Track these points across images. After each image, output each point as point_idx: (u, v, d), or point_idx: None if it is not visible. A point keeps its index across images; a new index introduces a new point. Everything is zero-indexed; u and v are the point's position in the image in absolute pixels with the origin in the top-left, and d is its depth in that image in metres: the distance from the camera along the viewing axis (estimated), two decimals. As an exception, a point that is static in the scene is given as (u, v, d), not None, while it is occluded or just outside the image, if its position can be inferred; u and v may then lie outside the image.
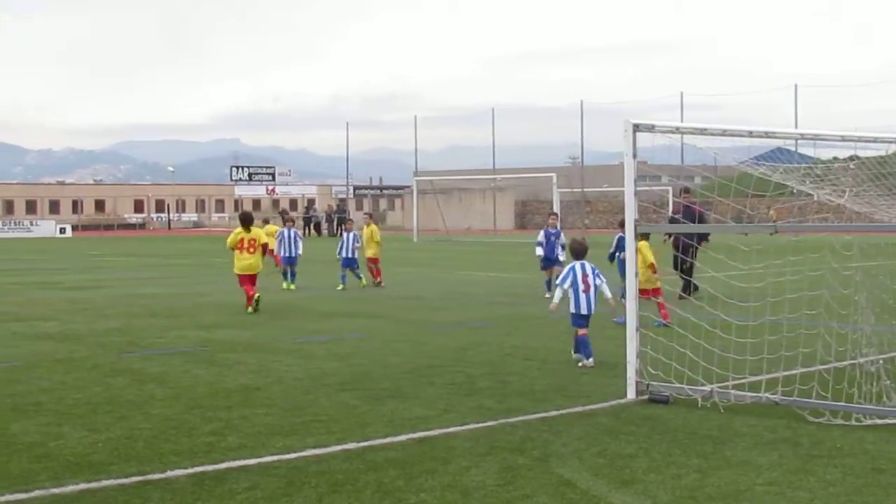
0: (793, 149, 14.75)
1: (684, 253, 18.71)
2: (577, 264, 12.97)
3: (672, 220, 22.00)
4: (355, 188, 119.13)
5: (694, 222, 19.61)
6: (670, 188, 62.64)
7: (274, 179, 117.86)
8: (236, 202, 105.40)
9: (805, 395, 9.78)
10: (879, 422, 9.08)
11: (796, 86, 71.12)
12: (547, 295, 21.34)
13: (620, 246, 15.81)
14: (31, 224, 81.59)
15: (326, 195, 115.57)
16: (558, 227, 22.69)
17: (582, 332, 12.72)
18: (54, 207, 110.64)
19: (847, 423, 9.07)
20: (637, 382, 10.48)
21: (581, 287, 12.77)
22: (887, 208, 11.62)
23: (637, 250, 16.52)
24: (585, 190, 74.29)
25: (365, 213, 30.19)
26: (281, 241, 25.28)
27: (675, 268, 19.99)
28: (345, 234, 26.00)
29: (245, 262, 19.50)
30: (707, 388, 10.15)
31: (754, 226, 12.94)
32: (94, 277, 30.09)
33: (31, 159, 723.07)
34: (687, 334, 11.27)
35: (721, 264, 12.84)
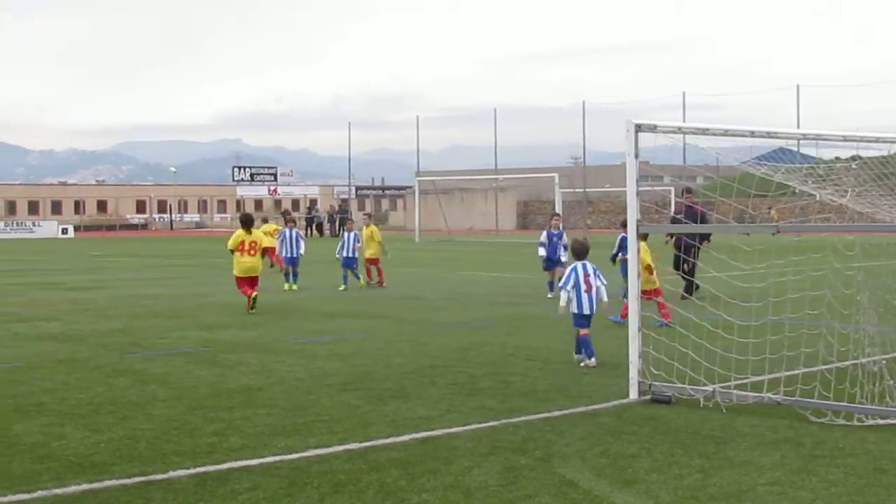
0: (795, 149, 14.75)
1: (686, 253, 18.71)
2: (579, 264, 12.98)
3: (674, 221, 22.01)
4: (357, 188, 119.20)
5: (696, 222, 19.60)
6: (672, 188, 62.64)
7: (276, 180, 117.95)
8: (238, 202, 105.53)
9: (807, 395, 9.78)
10: (882, 422, 9.08)
11: (798, 86, 71.15)
12: (549, 295, 21.35)
13: (623, 246, 15.82)
14: (34, 225, 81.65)
15: (328, 195, 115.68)
16: (561, 228, 22.68)
17: (583, 332, 12.72)
18: (56, 208, 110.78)
19: (849, 423, 9.07)
20: (639, 382, 10.47)
21: (583, 287, 12.77)
22: (889, 208, 11.61)
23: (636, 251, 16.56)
24: (587, 190, 74.27)
25: (364, 214, 30.16)
26: (283, 241, 25.28)
27: (676, 268, 19.98)
28: (345, 234, 26.01)
29: (245, 264, 19.47)
30: (709, 388, 10.15)
31: (756, 226, 12.95)
32: (97, 278, 30.11)
33: (33, 160, 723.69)
34: (689, 334, 11.27)
35: (723, 264, 12.84)
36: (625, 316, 15.75)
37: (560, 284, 13.29)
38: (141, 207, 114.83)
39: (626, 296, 12.93)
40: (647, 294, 14.92)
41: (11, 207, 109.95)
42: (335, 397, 10.70)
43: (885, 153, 13.06)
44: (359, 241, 25.39)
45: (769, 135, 11.37)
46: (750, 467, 7.74)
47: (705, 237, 20.72)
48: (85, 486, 7.38)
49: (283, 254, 24.84)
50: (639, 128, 10.45)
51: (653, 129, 10.57)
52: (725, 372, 10.64)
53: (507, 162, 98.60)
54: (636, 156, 10.53)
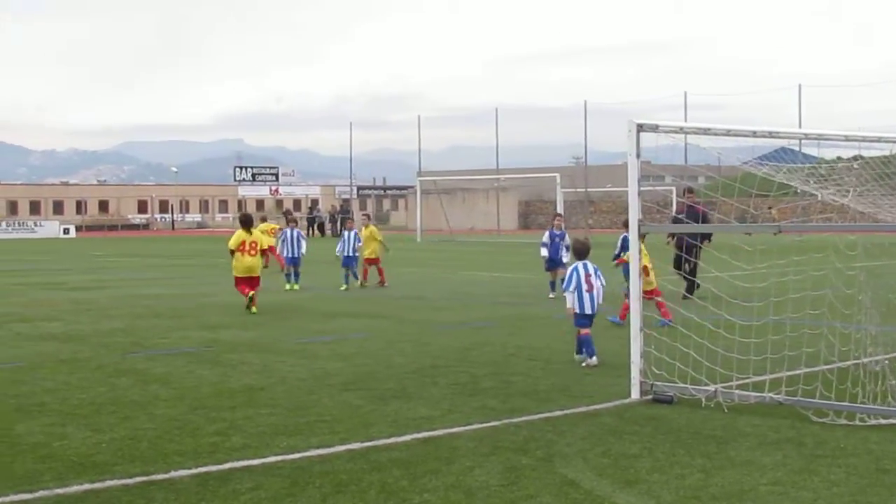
0: (797, 149, 14.74)
1: (688, 253, 18.72)
2: (580, 264, 12.98)
3: (675, 220, 22.01)
4: (359, 188, 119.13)
5: (697, 222, 19.60)
6: (674, 188, 62.63)
7: (277, 180, 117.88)
8: (240, 202, 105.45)
9: (809, 395, 9.77)
10: (884, 422, 9.07)
11: (800, 86, 71.02)
12: (551, 295, 21.36)
13: (625, 246, 15.81)
14: (35, 225, 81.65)
15: (330, 195, 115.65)
16: (563, 229, 22.64)
17: (585, 331, 12.72)
18: (58, 208, 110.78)
19: (851, 423, 9.07)
20: (641, 382, 10.47)
21: (584, 287, 12.78)
22: (891, 208, 11.61)
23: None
24: (589, 190, 74.24)
25: (363, 214, 30.12)
26: (284, 241, 25.26)
27: (677, 267, 19.99)
28: (345, 233, 25.99)
29: (246, 263, 19.48)
30: (711, 388, 10.15)
31: (758, 226, 12.95)
32: (98, 278, 30.12)
33: (34, 160, 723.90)
34: (691, 334, 11.26)
35: (725, 264, 12.84)
36: (623, 317, 15.79)
37: (563, 286, 13.30)
38: (142, 207, 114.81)
39: (627, 295, 12.93)
40: (647, 294, 14.93)
41: (13, 207, 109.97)
42: (337, 397, 10.71)
43: (886, 153, 13.05)
44: (359, 241, 25.38)
45: (771, 134, 11.37)
46: (752, 467, 7.74)
47: (706, 236, 20.73)
48: (87, 486, 7.38)
49: (285, 254, 24.82)
50: (640, 128, 10.45)
51: (654, 128, 10.57)
52: (727, 372, 10.64)
53: (509, 162, 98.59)
54: (638, 156, 10.53)
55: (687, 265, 19.58)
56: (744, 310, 12.13)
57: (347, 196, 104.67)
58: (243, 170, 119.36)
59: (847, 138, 12.39)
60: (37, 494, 7.22)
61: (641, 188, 10.70)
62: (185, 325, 17.34)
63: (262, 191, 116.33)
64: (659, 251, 19.32)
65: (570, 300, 12.85)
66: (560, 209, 49.97)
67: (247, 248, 19.51)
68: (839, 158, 14.48)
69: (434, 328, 16.62)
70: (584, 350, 12.69)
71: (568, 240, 21.83)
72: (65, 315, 19.13)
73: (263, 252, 20.24)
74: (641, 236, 15.34)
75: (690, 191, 23.94)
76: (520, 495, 7.06)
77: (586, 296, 12.77)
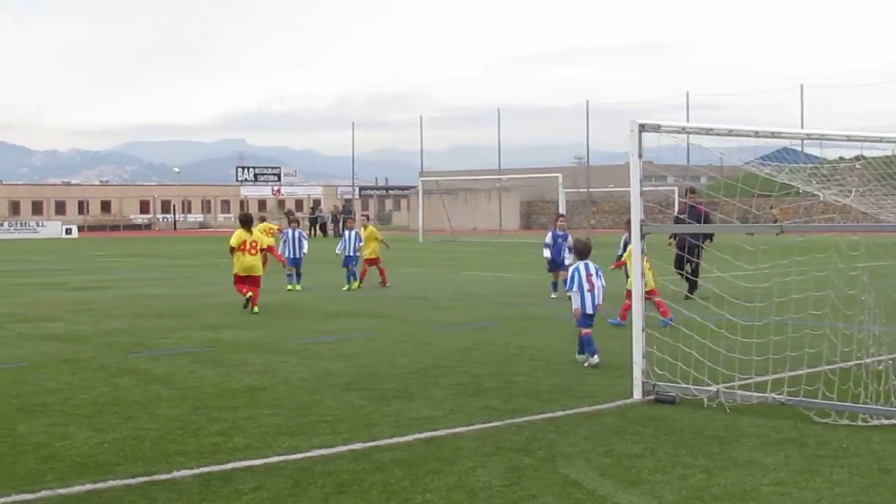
0: (799, 149, 14.73)
1: (690, 253, 18.70)
2: (581, 264, 12.99)
3: (677, 220, 21.99)
4: (361, 188, 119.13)
5: (699, 222, 19.59)
6: (676, 188, 62.63)
7: (279, 180, 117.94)
8: (242, 203, 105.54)
9: (811, 396, 9.77)
10: (886, 422, 9.07)
11: (802, 86, 71.01)
12: (553, 296, 21.36)
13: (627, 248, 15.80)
14: (37, 225, 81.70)
15: (332, 196, 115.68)
16: (566, 230, 22.58)
17: (586, 331, 12.72)
18: (60, 208, 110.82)
19: (853, 423, 9.06)
20: (643, 383, 10.47)
21: (586, 287, 12.78)
22: (893, 208, 11.60)
23: (629, 254, 16.57)
24: (591, 190, 74.27)
25: (363, 215, 30.04)
26: (285, 241, 25.25)
27: (678, 267, 19.98)
28: (346, 233, 25.98)
29: (246, 263, 19.54)
30: (713, 388, 10.14)
31: (760, 226, 12.93)
32: (100, 278, 30.13)
33: (37, 160, 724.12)
34: (693, 334, 11.26)
35: (727, 264, 12.83)
36: (624, 317, 15.79)
37: (566, 287, 13.31)
38: (144, 207, 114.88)
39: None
40: (645, 295, 14.91)
41: (15, 207, 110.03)
42: (339, 397, 10.71)
43: (889, 153, 13.04)
44: (360, 241, 25.35)
45: (773, 135, 11.36)
46: (754, 467, 7.73)
47: (708, 236, 20.72)
48: (89, 486, 7.38)
49: (286, 254, 24.82)
50: (643, 128, 10.45)
51: (657, 129, 10.56)
52: (729, 372, 10.64)
53: (511, 162, 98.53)
54: (640, 156, 10.52)
55: (689, 265, 19.57)
56: (746, 310, 12.12)
57: (350, 196, 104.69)
58: (245, 170, 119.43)
59: (849, 138, 12.38)
60: (39, 494, 7.22)
61: (643, 188, 10.69)
62: (187, 326, 17.35)
63: (265, 191, 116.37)
64: (660, 251, 19.31)
65: (576, 300, 12.86)
66: (562, 209, 49.94)
67: (247, 247, 19.57)
68: (841, 159, 14.48)
69: (436, 328, 16.62)
70: (585, 350, 12.69)
71: (571, 241, 21.80)
72: (67, 315, 19.14)
73: (263, 251, 20.31)
74: (642, 236, 15.38)
75: (693, 191, 23.92)
76: (522, 495, 7.06)
77: (587, 295, 12.77)
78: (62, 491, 7.29)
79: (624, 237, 17.15)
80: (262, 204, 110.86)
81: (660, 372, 10.63)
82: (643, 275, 15.77)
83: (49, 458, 8.24)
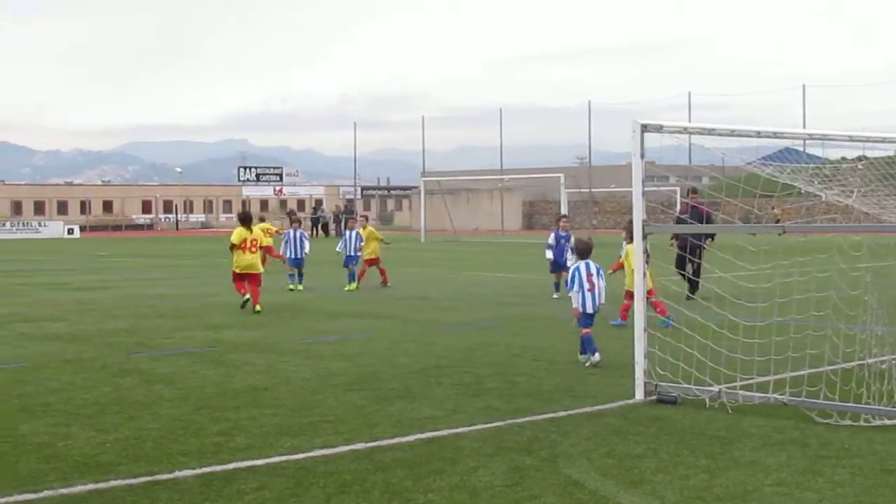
0: (801, 149, 14.73)
1: (692, 253, 18.70)
2: (582, 264, 12.99)
3: (679, 221, 21.99)
4: (363, 189, 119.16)
5: (701, 223, 19.59)
6: (678, 188, 62.59)
7: (281, 180, 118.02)
8: (244, 203, 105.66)
9: (813, 396, 9.76)
10: (888, 422, 9.06)
11: (804, 86, 70.99)
12: (555, 296, 21.35)
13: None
14: (40, 225, 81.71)
15: (334, 196, 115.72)
16: (569, 231, 22.55)
17: (586, 330, 12.72)
18: (62, 208, 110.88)
19: (855, 423, 9.06)
20: (645, 383, 10.47)
21: (586, 286, 12.78)
22: (895, 208, 11.59)
23: (626, 254, 16.60)
24: (593, 190, 74.29)
25: (361, 215, 29.94)
26: (287, 241, 25.25)
27: (679, 267, 19.97)
28: (347, 233, 25.95)
29: (245, 260, 19.66)
30: (715, 388, 10.14)
31: (762, 226, 12.94)
32: (102, 278, 30.15)
33: (39, 160, 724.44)
34: (695, 335, 11.26)
35: (729, 265, 12.83)
36: (625, 317, 15.79)
37: (567, 286, 13.32)
38: (147, 207, 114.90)
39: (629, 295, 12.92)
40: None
41: (17, 207, 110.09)
42: (341, 397, 10.71)
43: (891, 153, 13.03)
44: (362, 241, 25.32)
45: (775, 135, 11.35)
46: (756, 468, 7.73)
47: (709, 235, 20.72)
48: (91, 486, 7.39)
49: (288, 254, 24.85)
50: (645, 128, 10.45)
51: (659, 129, 10.56)
52: (731, 372, 10.64)
53: (513, 162, 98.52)
54: (642, 156, 10.52)
55: (691, 266, 19.57)
56: (748, 310, 12.12)
57: (352, 196, 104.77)
58: (247, 170, 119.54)
59: (851, 139, 12.38)
60: (41, 494, 7.22)
61: (646, 188, 10.69)
62: (189, 326, 17.36)
63: (267, 191, 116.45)
64: (661, 252, 19.31)
65: (576, 300, 12.86)
66: (564, 210, 49.97)
67: (248, 245, 19.66)
68: (843, 159, 14.49)
69: (438, 328, 16.62)
70: (586, 349, 12.69)
71: (573, 241, 21.77)
72: (69, 315, 19.15)
73: (262, 249, 20.44)
74: (644, 237, 15.38)
75: (694, 191, 23.90)
76: (524, 496, 7.06)
77: (588, 295, 12.78)
78: (64, 491, 7.29)
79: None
80: (264, 204, 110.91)
81: (662, 372, 10.63)
82: (645, 275, 15.87)
83: (51, 457, 8.25)
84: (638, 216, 10.74)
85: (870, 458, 8.02)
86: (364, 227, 26.49)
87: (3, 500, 7.11)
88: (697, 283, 19.14)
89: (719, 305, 12.42)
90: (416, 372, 12.23)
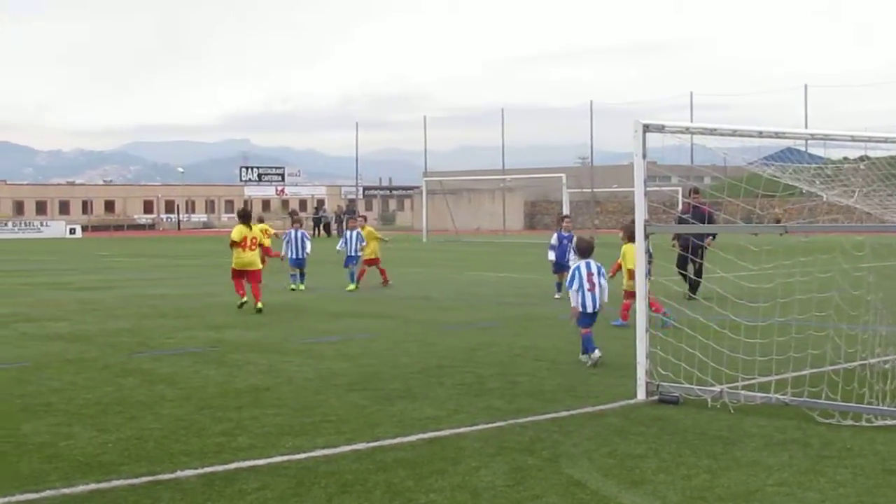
0: (803, 149, 14.72)
1: (693, 254, 18.70)
2: (583, 263, 12.99)
3: (681, 221, 21.99)
4: (365, 189, 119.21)
5: (703, 223, 19.59)
6: (680, 189, 62.57)
7: (283, 180, 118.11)
8: (246, 203, 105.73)
9: (815, 396, 9.76)
10: (891, 422, 9.05)
11: (806, 86, 70.96)
12: (556, 296, 21.33)
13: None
14: (42, 225, 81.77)
15: (336, 196, 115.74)
16: (571, 231, 22.53)
17: (586, 330, 12.72)
18: (64, 208, 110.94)
19: (857, 423, 9.05)
20: (647, 383, 10.47)
21: (587, 286, 12.78)
22: (897, 208, 11.58)
23: (623, 254, 16.62)
24: (595, 190, 74.23)
25: (360, 216, 29.89)
26: (288, 242, 25.24)
27: (680, 267, 19.97)
28: (348, 233, 25.93)
29: (245, 258, 19.83)
30: (717, 388, 10.14)
31: (764, 226, 12.94)
32: (104, 278, 30.16)
33: (41, 160, 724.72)
34: (696, 335, 11.26)
35: (730, 264, 12.82)
36: (626, 317, 15.79)
37: (567, 285, 13.33)
38: (148, 207, 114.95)
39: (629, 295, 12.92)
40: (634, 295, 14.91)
41: (19, 207, 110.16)
42: (343, 397, 10.71)
43: (893, 153, 13.04)
44: (363, 241, 25.30)
45: (777, 135, 11.34)
46: (758, 468, 7.73)
47: (710, 234, 20.73)
48: (93, 486, 7.39)
49: (290, 255, 24.85)
50: (647, 128, 10.45)
51: (661, 129, 10.56)
52: (733, 372, 10.63)
53: (515, 162, 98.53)
54: (644, 156, 10.52)
55: (693, 266, 19.57)
56: (749, 310, 12.12)
57: (353, 196, 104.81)
58: (249, 170, 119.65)
59: (853, 139, 12.37)
60: (43, 494, 7.23)
61: (647, 188, 10.69)
62: (190, 325, 17.36)
63: (268, 191, 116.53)
64: (663, 252, 19.31)
65: (574, 299, 12.86)
66: (566, 210, 49.96)
67: (248, 243, 19.79)
68: (845, 159, 14.47)
69: (440, 328, 16.63)
70: (587, 347, 12.68)
71: (575, 241, 21.74)
72: (71, 315, 19.16)
73: (261, 247, 20.58)
74: (632, 239, 15.39)
75: (696, 191, 23.90)
76: (526, 496, 7.06)
77: (588, 294, 12.78)
78: (66, 491, 7.30)
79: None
80: (266, 204, 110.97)
81: (663, 372, 10.63)
82: (629, 277, 15.94)
83: (53, 457, 8.25)
84: (640, 216, 10.74)
85: (872, 458, 8.01)
86: (363, 227, 26.49)
87: (6, 499, 7.11)
88: (699, 283, 19.14)
89: (721, 305, 12.41)
90: (418, 372, 12.24)
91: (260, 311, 18.91)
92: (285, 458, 8.16)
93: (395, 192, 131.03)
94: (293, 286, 24.36)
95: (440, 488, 7.25)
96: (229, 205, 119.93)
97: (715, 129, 10.82)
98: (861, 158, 13.55)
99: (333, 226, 75.24)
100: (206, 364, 13.02)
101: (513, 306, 20.35)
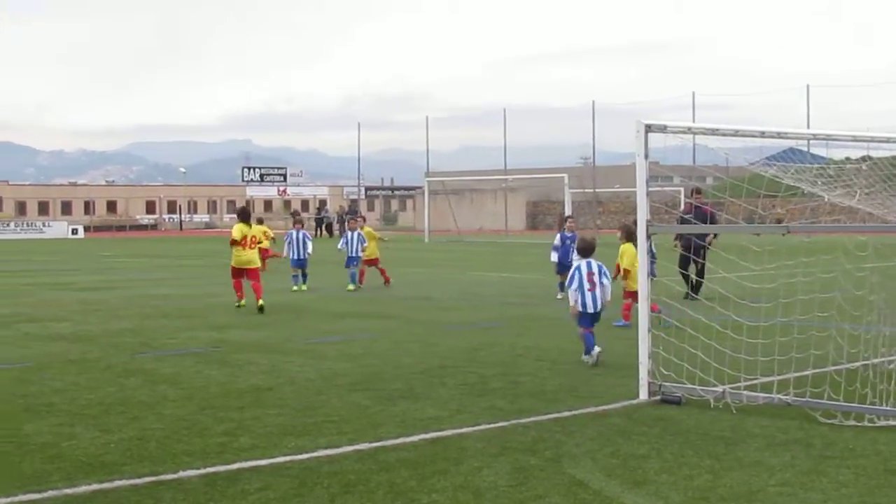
0: (805, 149, 14.71)
1: (696, 254, 18.69)
2: (583, 263, 13.00)
3: (683, 221, 21.99)
4: (367, 189, 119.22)
5: (705, 223, 19.59)
6: (682, 189, 62.56)
7: (285, 180, 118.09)
8: (248, 203, 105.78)
9: (817, 397, 9.76)
10: (893, 423, 9.05)
11: (808, 86, 71.01)
12: (559, 296, 21.31)
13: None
14: (44, 225, 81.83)
15: (338, 196, 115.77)
16: (575, 232, 22.52)
17: (586, 330, 12.72)
18: (66, 208, 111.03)
19: (859, 423, 9.05)
20: (649, 383, 10.46)
21: (587, 286, 12.78)
22: (899, 208, 11.58)
23: (621, 254, 16.62)
24: (597, 190, 74.25)
25: (359, 217, 29.93)
26: (290, 242, 25.24)
27: (682, 267, 19.97)
28: (349, 233, 25.92)
29: (244, 256, 20.09)
30: (719, 388, 10.13)
31: (766, 226, 12.93)
32: (107, 278, 30.17)
33: (43, 160, 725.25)
34: (699, 335, 11.25)
35: (733, 265, 12.82)
36: (627, 318, 15.78)
37: (567, 284, 13.34)
38: (151, 208, 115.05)
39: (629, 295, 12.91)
40: (633, 295, 14.90)
41: (22, 208, 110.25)
42: (345, 397, 10.71)
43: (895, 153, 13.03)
44: (364, 241, 25.29)
45: (779, 135, 11.34)
46: (760, 468, 7.73)
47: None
48: (95, 486, 7.39)
49: (291, 255, 24.86)
50: (649, 128, 10.44)
51: (663, 129, 10.55)
52: (735, 373, 10.63)
53: (517, 162, 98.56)
54: (646, 156, 10.51)
55: (695, 266, 19.56)
56: (752, 311, 12.11)
57: (356, 196, 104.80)
58: (251, 170, 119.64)
59: (855, 139, 12.36)
60: (45, 494, 7.23)
61: (649, 188, 10.69)
62: (193, 326, 17.37)
63: (271, 191, 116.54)
64: (665, 252, 19.30)
65: (573, 298, 12.86)
66: (568, 210, 49.94)
67: (248, 242, 19.97)
68: (847, 159, 14.46)
69: (442, 328, 16.63)
70: (588, 347, 12.68)
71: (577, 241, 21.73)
72: (73, 315, 19.17)
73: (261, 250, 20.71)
74: (630, 239, 15.41)
75: (698, 191, 23.88)
76: (528, 496, 7.06)
77: (587, 294, 12.78)
78: (68, 491, 7.30)
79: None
80: (268, 204, 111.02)
81: (666, 372, 10.63)
82: (625, 277, 15.94)
83: (55, 458, 8.25)
84: (642, 216, 10.74)
85: (874, 458, 8.01)
86: (362, 228, 26.50)
87: (8, 500, 7.12)
88: (702, 283, 19.14)
89: (723, 306, 12.42)
90: (420, 372, 12.24)
91: (262, 308, 18.93)
92: (287, 458, 8.16)
93: (397, 193, 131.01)
94: (295, 287, 24.35)
95: (443, 488, 7.25)
96: (231, 205, 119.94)
97: (717, 130, 10.81)
98: (863, 159, 13.55)
99: (336, 226, 75.22)
100: (209, 364, 13.02)
101: (515, 306, 20.34)
